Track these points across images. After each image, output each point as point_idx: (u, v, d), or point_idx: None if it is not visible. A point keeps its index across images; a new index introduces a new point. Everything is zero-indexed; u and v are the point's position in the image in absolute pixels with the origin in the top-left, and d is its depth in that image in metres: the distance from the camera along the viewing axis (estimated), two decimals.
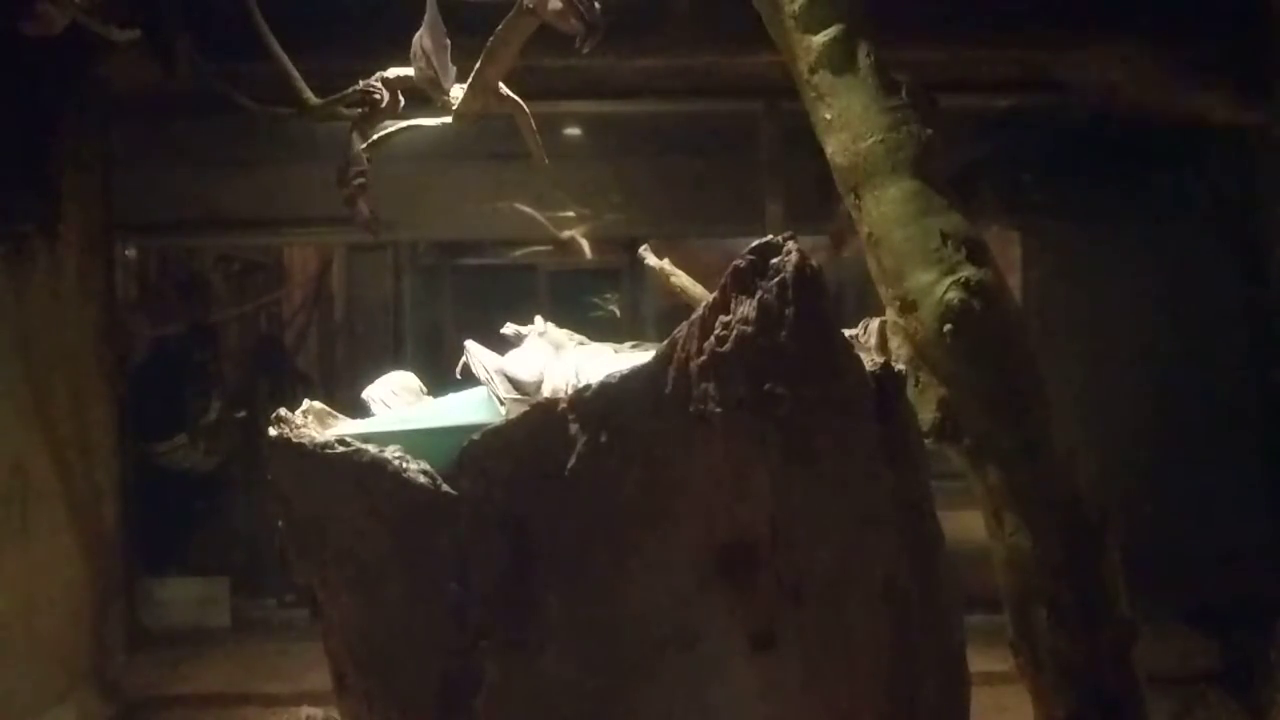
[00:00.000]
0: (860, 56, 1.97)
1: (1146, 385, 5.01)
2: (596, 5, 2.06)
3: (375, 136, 2.69)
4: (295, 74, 3.16)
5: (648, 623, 1.59)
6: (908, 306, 1.91)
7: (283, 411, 1.80)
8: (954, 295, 1.86)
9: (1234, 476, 4.85)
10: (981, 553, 2.01)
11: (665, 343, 1.61)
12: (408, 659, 1.70)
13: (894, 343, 1.93)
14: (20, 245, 3.96)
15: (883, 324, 1.93)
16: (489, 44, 2.27)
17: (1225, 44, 4.40)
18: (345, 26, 4.00)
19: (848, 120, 1.97)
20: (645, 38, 4.24)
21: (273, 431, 1.76)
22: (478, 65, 2.33)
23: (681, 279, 2.67)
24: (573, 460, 1.58)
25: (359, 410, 1.99)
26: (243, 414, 5.79)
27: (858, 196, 1.98)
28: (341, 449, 1.67)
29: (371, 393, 2.03)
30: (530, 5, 2.10)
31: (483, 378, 1.88)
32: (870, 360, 1.79)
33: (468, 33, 2.50)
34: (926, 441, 1.91)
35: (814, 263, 1.59)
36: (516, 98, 2.46)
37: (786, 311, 1.56)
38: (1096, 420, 4.42)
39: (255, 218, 5.55)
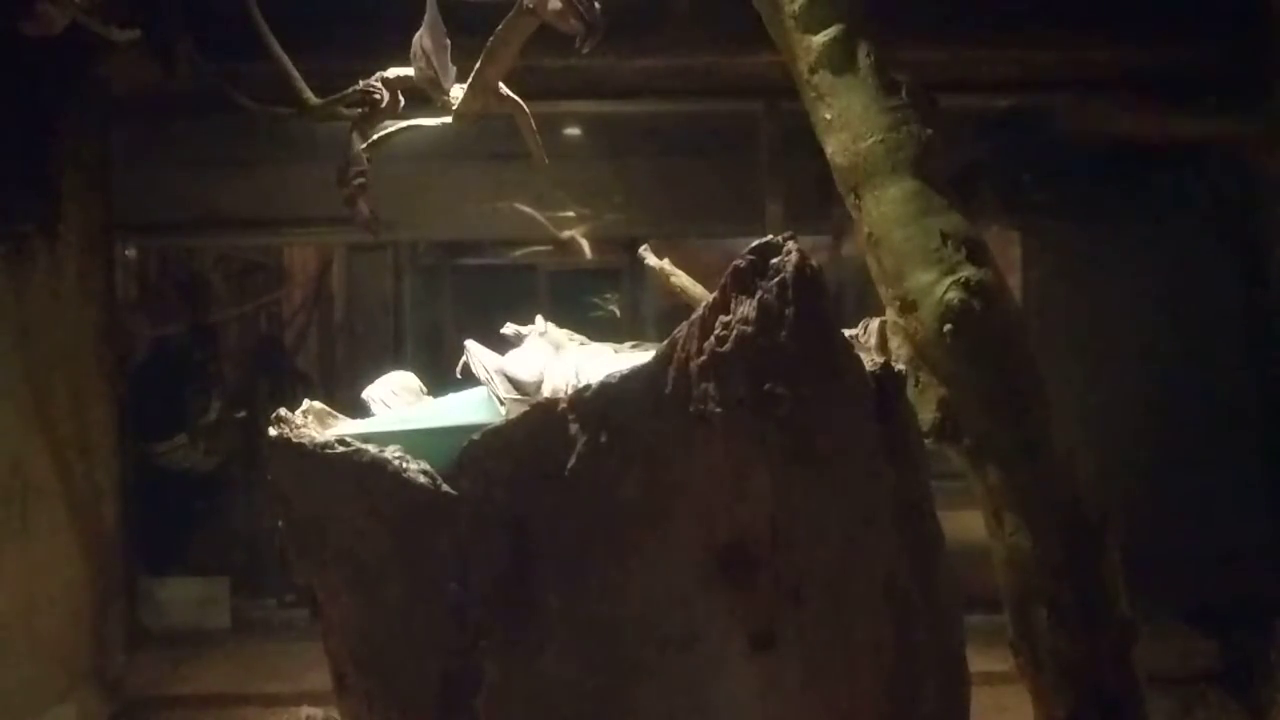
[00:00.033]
0: (860, 56, 1.97)
1: (1146, 385, 5.00)
2: (596, 5, 2.06)
3: (375, 136, 2.69)
4: (295, 74, 3.16)
5: (648, 622, 1.59)
6: (908, 306, 1.91)
7: (283, 411, 1.80)
8: (954, 295, 1.86)
9: (1234, 476, 4.85)
10: (981, 553, 2.00)
11: (665, 343, 1.61)
12: (408, 659, 1.70)
13: (894, 343, 1.93)
14: (20, 245, 3.97)
15: (883, 324, 1.93)
16: (489, 44, 2.27)
17: (1225, 45, 4.41)
18: (345, 26, 4.00)
19: (848, 120, 1.97)
20: (645, 38, 4.25)
21: (273, 431, 1.76)
22: (478, 65, 2.33)
23: (681, 279, 2.67)
24: (573, 460, 1.59)
25: (359, 410, 1.99)
26: (243, 414, 5.78)
27: (858, 196, 1.98)
28: (341, 449, 1.67)
29: (371, 393, 2.03)
30: (530, 5, 2.10)
31: (483, 378, 1.88)
32: (870, 360, 1.79)
33: (468, 33, 2.50)
34: (926, 441, 1.90)
35: (814, 263, 1.59)
36: (516, 98, 2.46)
37: (786, 311, 1.56)
38: (1096, 420, 4.42)
39: (255, 218, 5.53)
